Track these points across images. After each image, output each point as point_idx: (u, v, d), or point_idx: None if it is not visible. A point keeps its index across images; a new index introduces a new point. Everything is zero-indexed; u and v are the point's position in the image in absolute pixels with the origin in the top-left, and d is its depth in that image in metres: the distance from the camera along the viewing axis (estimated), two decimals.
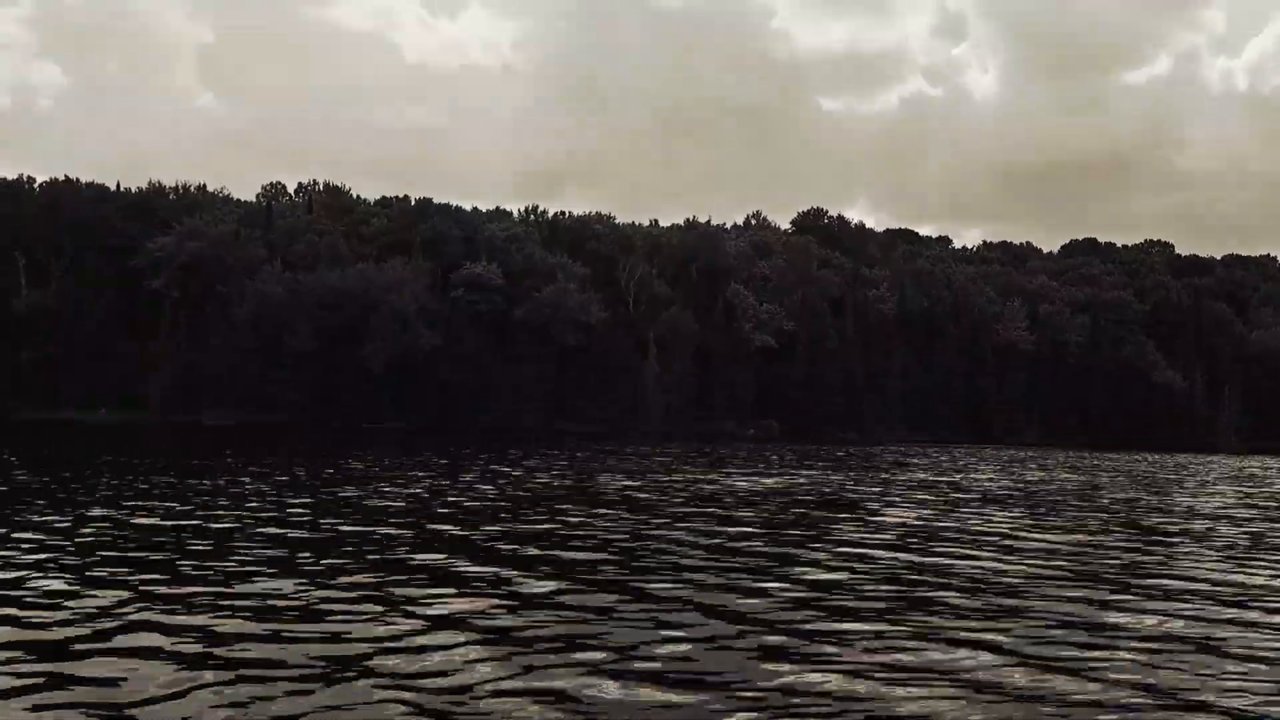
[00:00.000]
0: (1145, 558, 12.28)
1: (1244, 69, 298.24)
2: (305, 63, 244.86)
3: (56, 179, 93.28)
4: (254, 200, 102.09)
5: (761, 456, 37.61)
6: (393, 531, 12.53)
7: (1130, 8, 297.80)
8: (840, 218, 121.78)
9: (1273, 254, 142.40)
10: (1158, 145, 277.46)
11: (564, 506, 16.64)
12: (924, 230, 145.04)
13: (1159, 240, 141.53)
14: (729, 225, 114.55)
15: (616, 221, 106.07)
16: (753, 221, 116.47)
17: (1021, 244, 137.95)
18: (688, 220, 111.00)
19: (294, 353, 79.79)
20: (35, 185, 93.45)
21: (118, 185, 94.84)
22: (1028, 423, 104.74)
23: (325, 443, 40.30)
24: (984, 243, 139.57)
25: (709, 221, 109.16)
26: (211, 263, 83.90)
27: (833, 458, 40.17)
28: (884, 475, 29.59)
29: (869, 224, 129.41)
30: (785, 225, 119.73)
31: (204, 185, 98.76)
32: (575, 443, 49.41)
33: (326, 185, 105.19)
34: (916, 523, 15.66)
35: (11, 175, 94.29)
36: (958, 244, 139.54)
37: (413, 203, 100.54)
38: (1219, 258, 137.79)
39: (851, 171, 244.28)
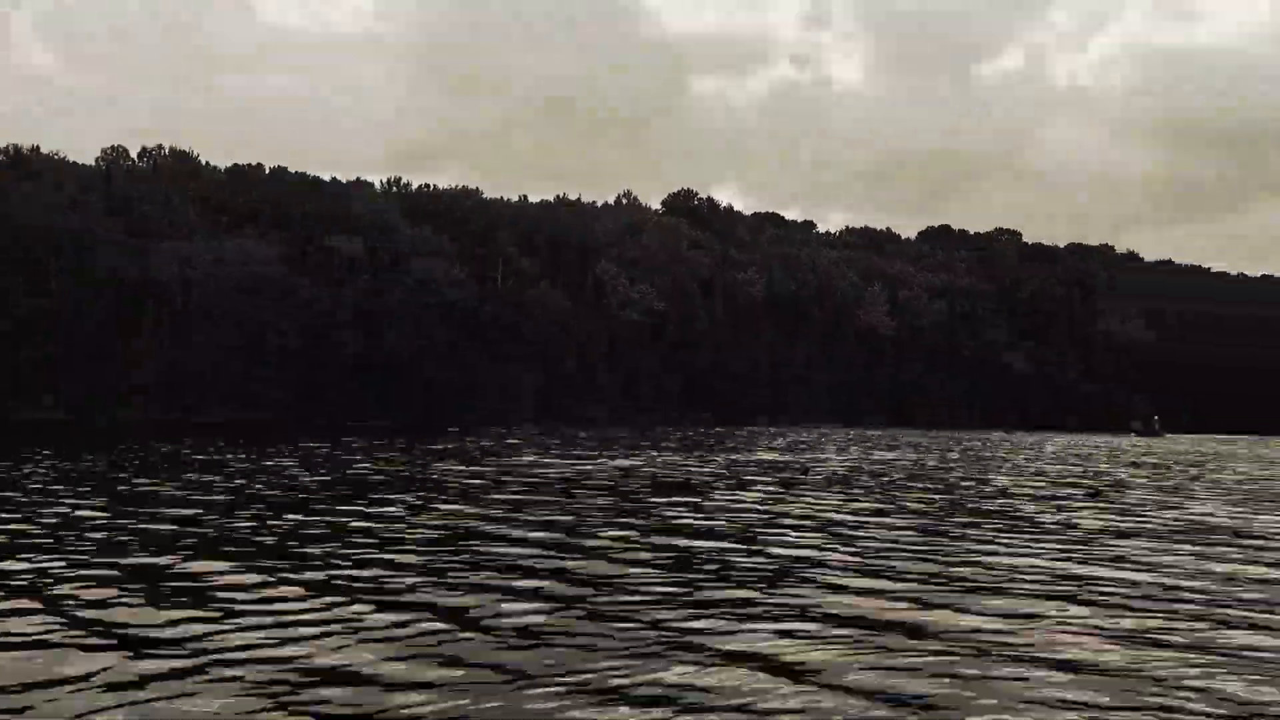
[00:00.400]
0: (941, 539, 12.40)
1: (1087, 67, 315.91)
2: (154, 25, 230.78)
3: None
4: (93, 164, 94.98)
5: (611, 439, 37.35)
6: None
7: (987, 3, 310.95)
8: (710, 200, 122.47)
9: (1110, 243, 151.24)
10: (1009, 137, 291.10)
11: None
12: (790, 214, 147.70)
13: (1008, 229, 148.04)
14: (600, 204, 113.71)
15: (484, 196, 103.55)
16: (624, 201, 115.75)
17: (882, 229, 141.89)
18: (558, 197, 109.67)
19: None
20: None
21: None
22: (888, 405, 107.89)
23: None
24: (846, 228, 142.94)
25: (579, 199, 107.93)
26: (41, 229, 77.65)
27: (685, 440, 40.37)
28: (732, 457, 30.03)
29: (737, 207, 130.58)
30: (656, 206, 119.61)
31: (38, 147, 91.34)
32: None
33: (172, 150, 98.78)
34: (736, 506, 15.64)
35: None
36: (822, 229, 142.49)
37: (267, 171, 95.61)
38: (1062, 246, 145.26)
39: (721, 154, 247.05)
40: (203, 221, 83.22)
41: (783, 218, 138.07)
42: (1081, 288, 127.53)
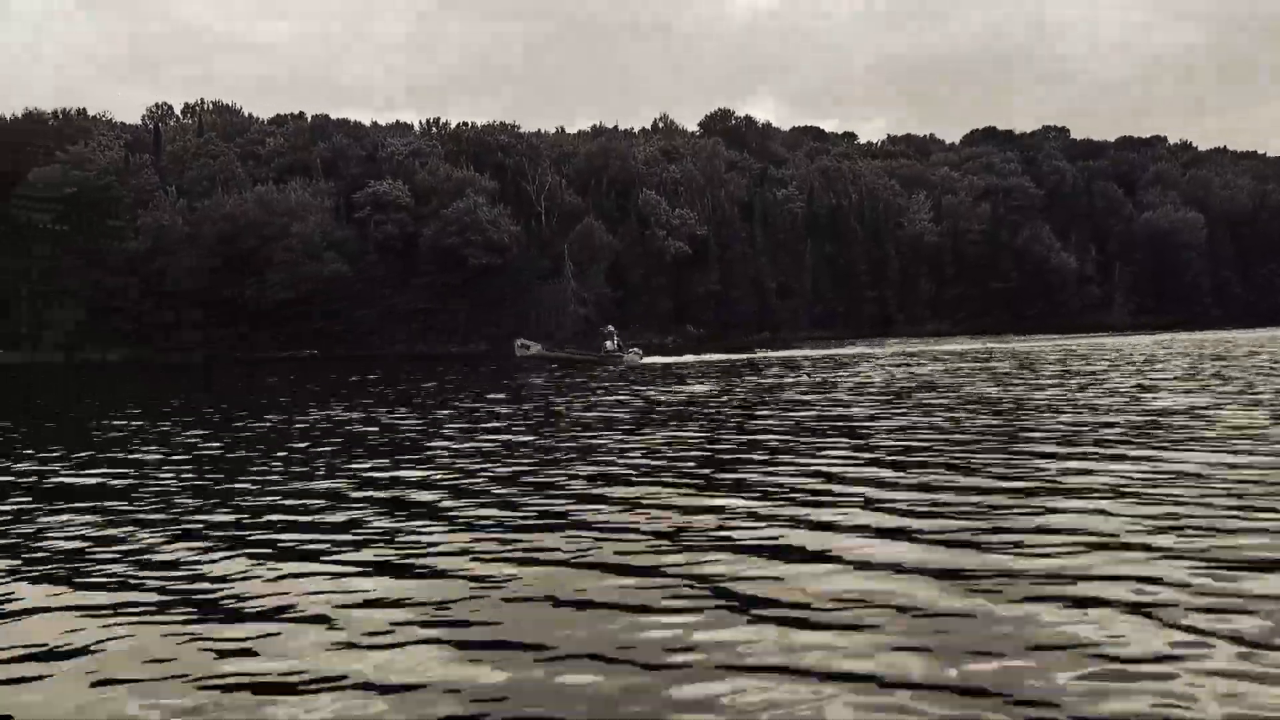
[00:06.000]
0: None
1: None
2: None
3: None
4: (140, 124, 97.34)
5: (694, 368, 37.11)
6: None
7: None
8: (747, 118, 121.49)
9: (1162, 134, 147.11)
10: (1054, 30, 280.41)
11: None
12: (829, 126, 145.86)
13: (1056, 126, 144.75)
14: (636, 130, 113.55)
15: (521, 131, 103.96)
16: (660, 125, 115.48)
17: (925, 135, 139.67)
18: (594, 127, 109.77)
19: (191, 285, 77.60)
20: None
21: None
22: (931, 315, 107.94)
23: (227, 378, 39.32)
24: (889, 136, 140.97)
25: (616, 127, 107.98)
26: (97, 193, 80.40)
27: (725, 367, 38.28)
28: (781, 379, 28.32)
29: (775, 122, 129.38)
30: (692, 128, 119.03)
31: (85, 109, 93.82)
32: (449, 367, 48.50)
33: (216, 105, 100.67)
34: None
35: None
36: (863, 138, 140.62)
37: (309, 120, 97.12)
38: (1112, 140, 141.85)
39: (756, 67, 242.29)
40: (250, 179, 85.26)
41: (822, 130, 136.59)
42: (1125, 182, 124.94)
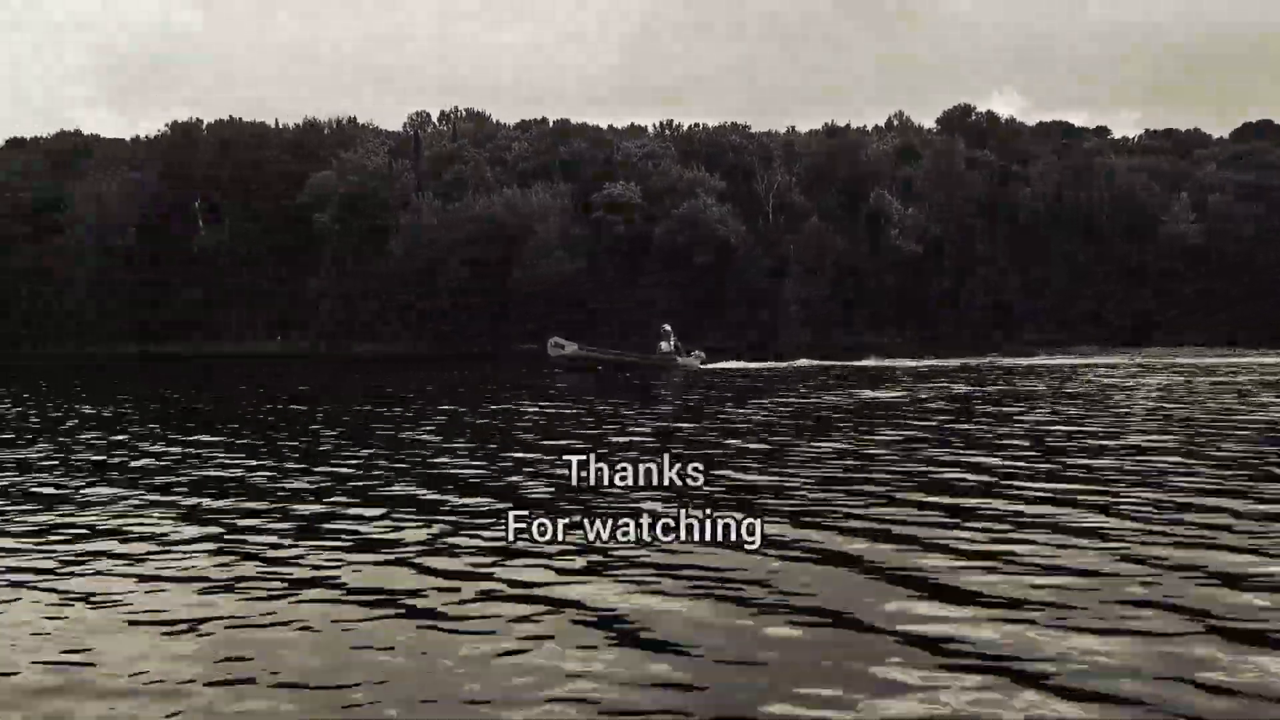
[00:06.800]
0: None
1: None
2: None
3: (223, 119, 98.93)
4: (401, 130, 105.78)
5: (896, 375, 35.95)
6: None
7: None
8: (989, 113, 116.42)
9: None
10: None
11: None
12: (1078, 120, 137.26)
13: None
14: (870, 128, 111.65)
15: (752, 131, 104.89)
16: (895, 123, 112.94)
17: (1188, 130, 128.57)
18: (827, 125, 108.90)
19: (446, 283, 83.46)
20: (204, 126, 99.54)
21: (276, 122, 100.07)
22: (1189, 324, 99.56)
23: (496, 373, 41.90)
24: (1146, 131, 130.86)
25: (849, 126, 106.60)
26: (367, 196, 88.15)
27: (970, 370, 37.38)
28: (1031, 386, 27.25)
29: (1019, 117, 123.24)
30: (930, 124, 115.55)
31: (354, 118, 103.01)
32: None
33: (469, 112, 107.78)
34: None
35: (182, 118, 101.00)
36: (1117, 134, 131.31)
37: (550, 125, 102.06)
38: None
39: (1000, 60, 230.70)
40: (497, 182, 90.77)
41: (1071, 124, 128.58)
42: None
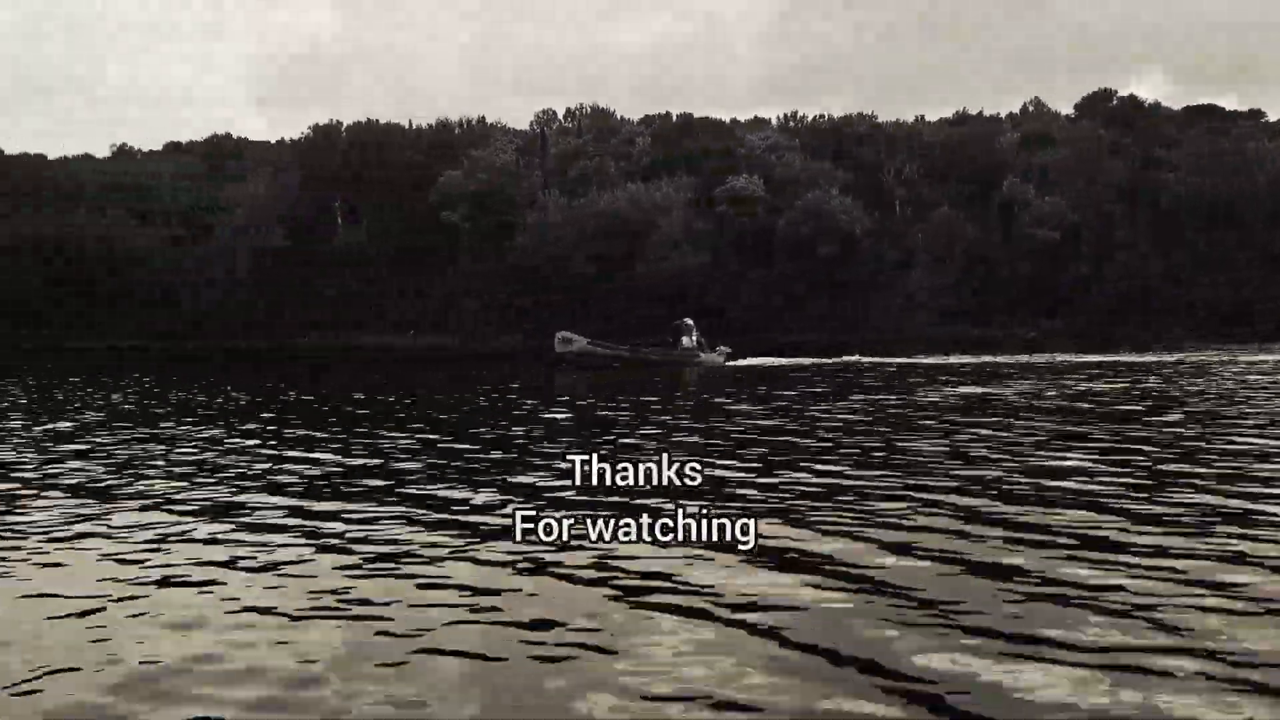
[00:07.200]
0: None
1: None
2: None
3: (360, 121, 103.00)
4: (528, 129, 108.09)
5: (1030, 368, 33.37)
6: None
7: None
8: (1131, 97, 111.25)
9: None
10: None
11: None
12: (1229, 104, 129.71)
13: None
14: (1003, 115, 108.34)
15: (879, 120, 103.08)
16: (1029, 109, 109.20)
17: None
18: (957, 113, 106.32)
19: (572, 279, 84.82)
20: (343, 129, 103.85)
21: (409, 123, 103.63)
22: None
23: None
24: None
25: (980, 113, 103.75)
26: (495, 193, 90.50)
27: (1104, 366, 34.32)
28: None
29: (1164, 101, 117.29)
30: (1067, 110, 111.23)
31: (484, 117, 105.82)
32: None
33: (593, 108, 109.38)
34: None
35: (323, 120, 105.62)
36: (1272, 117, 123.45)
37: (674, 119, 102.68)
38: None
39: (1141, 43, 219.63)
40: (622, 177, 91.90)
41: (1221, 108, 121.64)
42: None
